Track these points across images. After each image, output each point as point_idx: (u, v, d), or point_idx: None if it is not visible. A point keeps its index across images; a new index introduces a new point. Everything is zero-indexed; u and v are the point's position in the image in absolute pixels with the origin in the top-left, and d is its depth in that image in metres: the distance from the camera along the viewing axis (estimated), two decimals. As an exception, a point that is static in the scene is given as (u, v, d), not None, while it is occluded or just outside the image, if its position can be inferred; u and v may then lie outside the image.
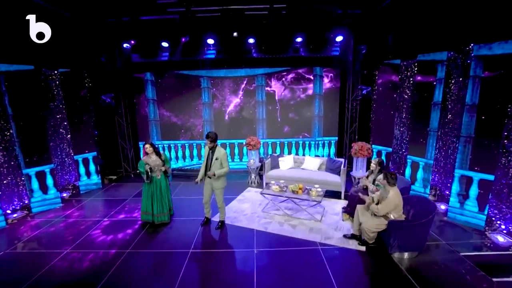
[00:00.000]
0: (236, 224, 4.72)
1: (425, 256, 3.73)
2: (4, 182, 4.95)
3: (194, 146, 7.80)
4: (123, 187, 6.77)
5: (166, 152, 7.67)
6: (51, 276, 3.44)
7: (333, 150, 7.78)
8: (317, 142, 7.70)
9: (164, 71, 7.30)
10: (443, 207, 5.01)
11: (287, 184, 5.30)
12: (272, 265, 3.64)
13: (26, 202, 5.26)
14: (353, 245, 4.04)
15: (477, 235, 4.27)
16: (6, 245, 4.18)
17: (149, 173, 4.43)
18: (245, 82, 7.36)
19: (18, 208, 5.15)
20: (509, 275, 3.38)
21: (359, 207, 4.15)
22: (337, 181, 5.74)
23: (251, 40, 6.75)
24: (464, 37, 4.46)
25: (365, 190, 4.74)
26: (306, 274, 3.45)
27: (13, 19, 4.39)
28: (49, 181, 5.54)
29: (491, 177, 4.26)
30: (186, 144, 7.73)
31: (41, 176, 5.46)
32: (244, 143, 6.64)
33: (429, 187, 5.33)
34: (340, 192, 5.79)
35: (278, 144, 7.74)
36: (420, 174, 5.48)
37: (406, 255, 3.72)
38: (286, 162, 6.42)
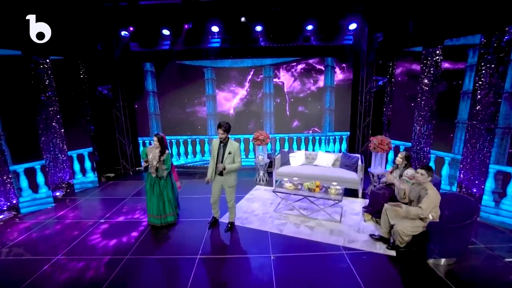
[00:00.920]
0: (247, 225, 4.26)
1: (465, 262, 3.29)
2: (-11, 180, 4.47)
3: (197, 142, 7.33)
4: (121, 185, 6.29)
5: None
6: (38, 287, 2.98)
7: (344, 146, 7.34)
8: (327, 137, 7.25)
9: (165, 61, 6.81)
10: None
11: (301, 181, 4.85)
12: (293, 273, 3.19)
13: (14, 202, 4.77)
14: (381, 249, 3.60)
15: (517, 237, 3.85)
16: (-11, 250, 3.71)
17: (148, 165, 3.98)
18: (251, 73, 6.90)
19: (5, 208, 4.66)
20: None
21: (387, 206, 3.70)
22: (354, 178, 5.29)
23: (258, 28, 6.29)
24: (502, 17, 4.02)
25: (388, 187, 4.30)
26: (333, 283, 3.01)
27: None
28: (40, 178, 5.05)
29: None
30: (188, 140, 7.25)
31: (30, 174, 4.96)
32: (252, 138, 6.17)
33: (456, 184, 4.90)
34: (357, 190, 5.36)
35: (286, 140, 7.29)
36: (445, 170, 5.04)
37: (443, 261, 3.28)
38: (298, 158, 5.96)
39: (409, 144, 5.88)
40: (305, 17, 6.18)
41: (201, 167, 6.92)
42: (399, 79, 5.97)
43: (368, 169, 5.46)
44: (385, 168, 5.43)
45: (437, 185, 4.06)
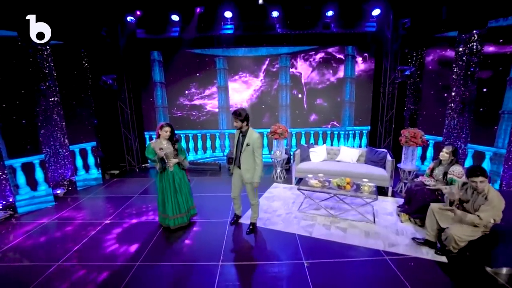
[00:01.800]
0: (271, 227, 3.80)
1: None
2: (-18, 175, 4.02)
3: (208, 137, 6.87)
4: (127, 183, 5.83)
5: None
6: (35, 301, 2.53)
7: (364, 141, 6.87)
8: (347, 132, 6.78)
9: (173, 50, 6.34)
10: None
11: (325, 178, 4.38)
12: (333, 282, 2.73)
13: (10, 200, 4.32)
14: (428, 254, 3.13)
15: None
16: (-20, 255, 3.25)
17: (165, 160, 3.49)
18: (266, 62, 6.43)
19: (0, 208, 4.21)
20: None
21: (436, 208, 3.23)
22: (383, 175, 4.83)
23: (275, 14, 5.83)
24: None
25: (426, 185, 3.82)
26: (384, 297, 2.54)
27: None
28: (39, 174, 4.59)
29: None
30: (198, 135, 6.79)
31: (28, 169, 4.50)
32: (269, 131, 5.71)
33: (498, 181, 4.43)
34: (385, 188, 4.90)
35: (303, 134, 6.82)
36: (486, 166, 4.56)
37: (505, 270, 2.82)
38: (319, 153, 5.50)
39: (440, 138, 5.41)
40: (325, 1, 5.72)
41: (212, 163, 6.45)
42: (430, 67, 5.49)
43: (398, 165, 4.98)
44: (422, 162, 4.96)
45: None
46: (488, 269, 2.84)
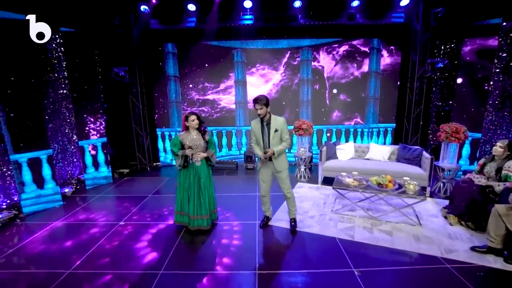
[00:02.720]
0: (306, 230, 3.39)
1: None
2: (-16, 171, 3.64)
3: (224, 134, 6.48)
4: (138, 181, 5.44)
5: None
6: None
7: (389, 139, 6.47)
8: (370, 130, 6.38)
9: (188, 41, 5.99)
10: None
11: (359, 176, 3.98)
12: (395, 297, 2.32)
13: (15, 199, 3.93)
14: (497, 263, 2.70)
15: None
16: (-19, 260, 2.86)
17: (188, 158, 3.12)
18: (287, 55, 6.06)
19: (4, 207, 3.83)
20: None
21: (500, 208, 2.81)
22: (421, 173, 4.42)
23: (297, 3, 5.49)
24: None
25: (473, 182, 3.42)
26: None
27: None
28: (46, 171, 4.20)
29: None
30: (214, 132, 6.40)
31: (35, 165, 4.11)
32: (292, 128, 5.32)
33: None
34: (423, 188, 4.48)
35: (324, 132, 6.42)
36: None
37: None
38: (346, 151, 5.10)
39: (479, 134, 5.01)
40: (351, -10, 5.40)
41: (229, 162, 6.06)
42: (468, 58, 5.10)
43: (436, 163, 4.57)
44: (457, 161, 4.56)
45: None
46: None
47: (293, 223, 3.36)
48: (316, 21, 5.73)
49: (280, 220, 3.62)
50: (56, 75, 4.73)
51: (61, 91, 4.83)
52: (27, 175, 4.02)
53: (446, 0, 5.19)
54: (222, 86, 6.17)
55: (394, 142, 6.38)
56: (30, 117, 4.06)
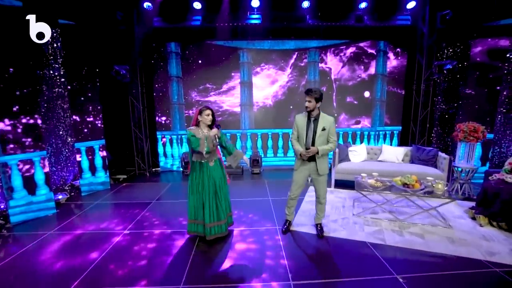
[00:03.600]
0: (332, 234, 3.13)
1: None
2: (-32, 175, 3.19)
3: (228, 137, 6.19)
4: (139, 188, 5.04)
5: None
6: None
7: (395, 142, 6.38)
8: (377, 133, 6.28)
9: (192, 40, 5.75)
10: None
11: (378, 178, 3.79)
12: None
13: (2, 206, 3.47)
14: (543, 265, 2.54)
15: None
16: (-38, 278, 2.41)
17: (210, 153, 2.86)
18: (294, 57, 5.93)
19: (-11, 216, 3.36)
20: None
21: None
22: (438, 174, 4.30)
23: (305, 4, 5.42)
24: None
25: (507, 182, 3.31)
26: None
27: None
28: (39, 175, 3.76)
29: None
30: (217, 135, 6.10)
31: (27, 168, 3.67)
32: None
33: None
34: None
35: (332, 135, 6.26)
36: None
37: None
38: (359, 152, 4.94)
39: (490, 135, 4.97)
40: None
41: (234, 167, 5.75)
42: (478, 59, 5.12)
43: (453, 164, 4.47)
44: (474, 162, 4.46)
45: None
46: None
47: (319, 228, 3.12)
48: (324, 22, 5.66)
49: (301, 225, 3.35)
50: (51, 71, 4.35)
51: (56, 89, 4.45)
52: (17, 180, 3.57)
53: (452, 2, 5.25)
54: (229, 87, 5.94)
55: (400, 145, 6.30)
56: (23, 116, 3.65)
